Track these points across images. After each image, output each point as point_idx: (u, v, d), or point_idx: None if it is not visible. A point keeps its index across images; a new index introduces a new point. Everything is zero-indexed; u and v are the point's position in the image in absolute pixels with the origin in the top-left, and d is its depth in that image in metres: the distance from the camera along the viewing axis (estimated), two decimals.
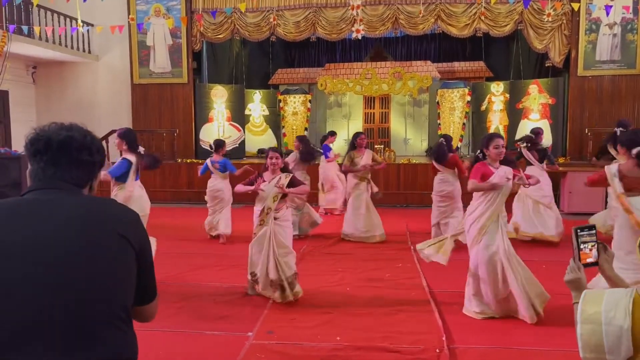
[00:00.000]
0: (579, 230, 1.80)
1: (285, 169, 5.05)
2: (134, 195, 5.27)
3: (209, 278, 5.66)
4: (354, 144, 7.37)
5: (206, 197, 7.80)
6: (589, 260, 1.80)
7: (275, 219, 4.80)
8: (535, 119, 11.82)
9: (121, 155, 5.52)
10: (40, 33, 10.39)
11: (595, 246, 1.81)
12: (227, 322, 4.37)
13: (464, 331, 4.15)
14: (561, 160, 11.11)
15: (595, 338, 1.57)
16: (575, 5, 8.60)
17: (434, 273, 5.76)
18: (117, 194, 5.23)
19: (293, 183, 4.96)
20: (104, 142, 11.57)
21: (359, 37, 9.87)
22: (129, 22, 10.66)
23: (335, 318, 4.45)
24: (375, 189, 7.53)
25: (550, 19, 10.74)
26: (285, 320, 4.38)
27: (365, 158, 7.29)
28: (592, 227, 1.81)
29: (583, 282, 1.77)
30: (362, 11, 11.23)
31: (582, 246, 1.79)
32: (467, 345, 3.89)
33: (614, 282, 1.80)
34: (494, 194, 4.37)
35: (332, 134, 10.22)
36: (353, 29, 10.38)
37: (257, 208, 4.90)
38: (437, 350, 3.76)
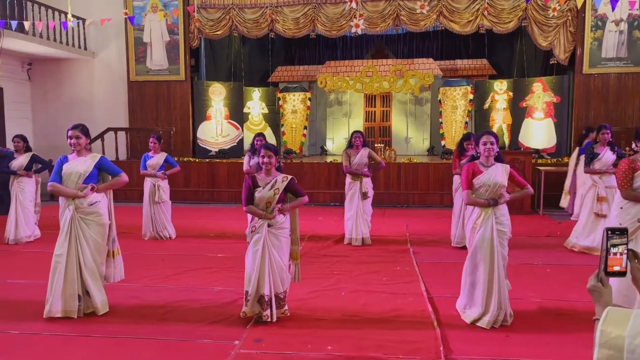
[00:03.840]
0: (609, 232, 1.53)
1: (280, 169, 4.41)
2: None
3: (198, 282, 5.43)
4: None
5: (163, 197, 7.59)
6: (616, 268, 1.53)
7: (269, 226, 4.23)
8: (539, 117, 11.58)
9: None
10: (29, 28, 10.15)
11: (625, 252, 1.54)
12: (214, 329, 4.15)
13: (463, 341, 3.92)
14: (566, 159, 10.86)
15: None
16: (579, 1, 8.33)
17: (434, 278, 5.55)
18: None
19: (292, 187, 4.32)
20: (99, 141, 11.39)
21: (358, 32, 9.62)
22: (125, 17, 10.41)
23: (328, 325, 4.23)
24: (364, 190, 7.08)
25: (555, 14, 10.49)
26: (275, 328, 4.16)
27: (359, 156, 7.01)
28: (624, 230, 1.54)
29: (605, 293, 1.52)
30: (363, 7, 11.00)
31: (613, 250, 1.52)
32: (465, 356, 3.66)
33: None
34: (479, 194, 4.26)
35: (591, 130, 8.48)
36: (352, 23, 10.14)
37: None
38: None
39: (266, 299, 4.22)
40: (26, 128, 12.50)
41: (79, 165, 4.38)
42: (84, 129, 4.47)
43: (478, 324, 4.18)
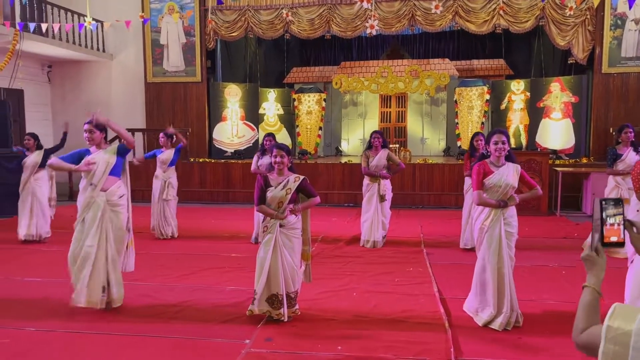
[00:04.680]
0: (603, 202, 1.50)
1: (292, 169, 4.39)
2: None
3: (210, 281, 5.47)
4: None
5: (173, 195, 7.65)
6: (613, 239, 1.50)
7: (280, 226, 4.23)
8: (557, 118, 11.43)
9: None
10: (47, 30, 10.32)
11: (622, 223, 1.50)
12: (225, 328, 4.17)
13: (474, 342, 3.89)
14: (584, 160, 10.71)
15: None
16: (596, 1, 8.19)
17: (447, 279, 5.51)
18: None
19: (303, 188, 4.32)
20: (117, 141, 11.53)
21: (373, 32, 9.60)
22: (140, 19, 10.53)
23: (338, 325, 4.23)
24: (382, 192, 7.01)
25: (572, 13, 10.34)
26: (286, 327, 4.17)
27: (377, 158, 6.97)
28: (619, 200, 1.51)
29: (598, 262, 1.52)
30: (377, 8, 10.98)
31: (609, 220, 1.49)
32: (476, 357, 3.63)
33: None
34: (490, 194, 4.22)
35: None
36: (367, 24, 10.14)
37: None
38: None
39: (279, 298, 4.24)
40: (46, 129, 12.72)
41: (102, 156, 4.45)
42: (98, 124, 4.52)
43: (490, 325, 4.14)
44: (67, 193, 11.76)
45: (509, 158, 4.27)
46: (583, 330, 1.46)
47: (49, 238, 7.44)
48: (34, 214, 7.36)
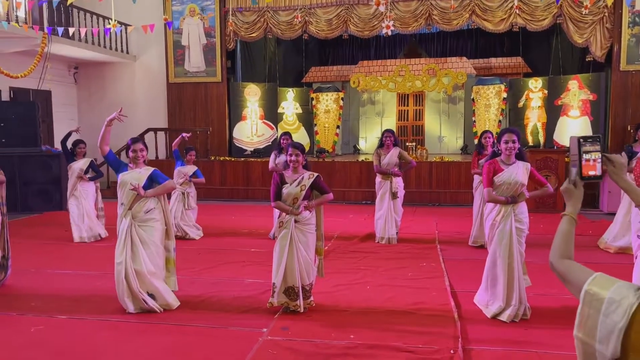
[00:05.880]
0: (581, 140, 1.63)
1: (307, 166, 4.61)
2: None
3: (232, 274, 5.71)
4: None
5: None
6: (591, 173, 1.64)
7: (296, 221, 4.43)
8: (575, 115, 11.42)
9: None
10: (74, 34, 10.70)
11: (598, 159, 1.63)
12: (244, 318, 4.40)
13: (482, 333, 4.04)
14: None
15: (591, 323, 1.48)
16: (609, 0, 8.23)
17: (459, 274, 5.65)
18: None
19: (317, 184, 4.53)
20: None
21: (389, 33, 9.74)
22: (163, 22, 10.84)
23: (352, 316, 4.42)
24: (394, 190, 7.16)
25: (587, 11, 10.32)
26: (301, 317, 4.38)
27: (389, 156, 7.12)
28: (597, 137, 1.65)
29: (576, 193, 1.69)
30: (394, 7, 11.11)
31: (585, 156, 1.62)
32: (482, 347, 3.79)
33: (631, 191, 1.75)
34: (500, 192, 4.36)
35: None
36: (383, 24, 10.28)
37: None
38: (452, 351, 3.68)
39: (296, 290, 4.45)
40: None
41: (134, 176, 4.50)
42: (144, 142, 4.65)
43: (499, 317, 4.29)
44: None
45: (519, 157, 4.41)
46: (561, 256, 1.63)
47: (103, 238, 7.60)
48: (82, 218, 7.48)
